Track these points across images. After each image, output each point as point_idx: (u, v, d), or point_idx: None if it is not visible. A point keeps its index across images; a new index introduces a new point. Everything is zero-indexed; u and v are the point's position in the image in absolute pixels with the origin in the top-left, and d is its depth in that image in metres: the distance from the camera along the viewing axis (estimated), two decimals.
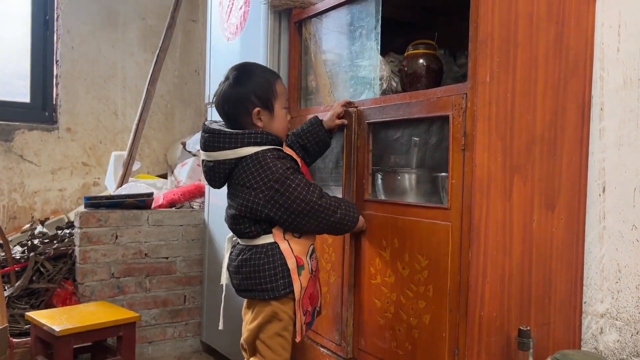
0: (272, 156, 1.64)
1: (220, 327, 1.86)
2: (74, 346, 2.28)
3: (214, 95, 1.76)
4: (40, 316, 2.37)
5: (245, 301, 1.79)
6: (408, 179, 1.87)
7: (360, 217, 1.80)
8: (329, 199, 1.69)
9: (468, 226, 1.52)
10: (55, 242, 2.96)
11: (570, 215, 1.75)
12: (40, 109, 3.59)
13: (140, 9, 3.88)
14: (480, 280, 1.53)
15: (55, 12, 3.59)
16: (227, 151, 1.64)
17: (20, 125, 3.45)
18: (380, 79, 1.98)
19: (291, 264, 1.67)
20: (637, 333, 1.68)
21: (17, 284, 2.72)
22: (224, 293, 1.85)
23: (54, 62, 3.61)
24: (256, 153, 1.63)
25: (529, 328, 1.54)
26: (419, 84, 1.87)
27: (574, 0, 1.72)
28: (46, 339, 2.34)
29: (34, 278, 2.77)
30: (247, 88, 1.68)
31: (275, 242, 1.67)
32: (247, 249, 1.69)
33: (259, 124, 1.68)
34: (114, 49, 3.79)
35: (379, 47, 1.97)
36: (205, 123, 1.73)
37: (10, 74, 3.54)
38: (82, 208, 2.94)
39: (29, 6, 3.55)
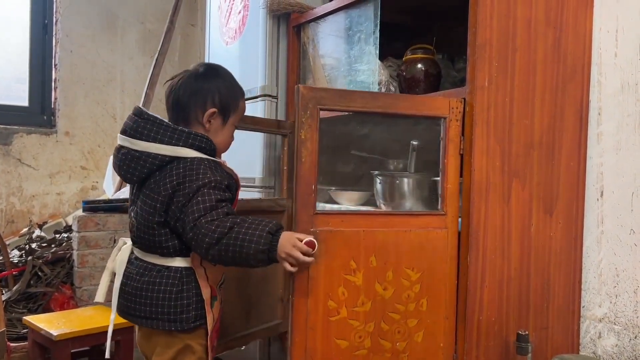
0: (210, 165, 1.44)
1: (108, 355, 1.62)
2: (72, 350, 2.26)
3: (170, 79, 1.57)
4: (37, 320, 2.36)
5: (139, 329, 1.56)
6: (407, 184, 1.87)
7: (285, 243, 1.34)
8: (229, 221, 1.36)
9: (466, 231, 1.52)
10: (53, 246, 2.95)
11: (568, 220, 1.75)
12: (39, 113, 3.59)
13: (139, 13, 3.89)
14: (478, 284, 1.53)
15: (54, 15, 3.60)
16: (164, 146, 1.42)
17: (18, 129, 3.45)
18: (379, 84, 1.98)
19: (206, 294, 1.46)
20: (636, 337, 1.68)
21: (14, 287, 2.71)
22: (113, 316, 1.58)
23: (53, 65, 3.62)
24: (194, 158, 1.43)
25: (527, 332, 1.54)
26: (417, 89, 1.87)
27: (572, 5, 1.73)
28: (44, 343, 2.33)
29: (31, 282, 2.76)
30: (212, 85, 1.50)
31: (191, 268, 1.45)
32: (157, 271, 1.45)
33: (207, 126, 1.49)
34: (113, 53, 3.80)
35: (377, 52, 1.97)
36: (139, 106, 1.51)
37: (8, 78, 3.54)
38: (80, 212, 2.94)
39: (28, 10, 3.55)
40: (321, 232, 1.44)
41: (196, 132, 1.46)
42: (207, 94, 1.49)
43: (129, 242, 1.56)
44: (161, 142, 1.42)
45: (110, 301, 1.60)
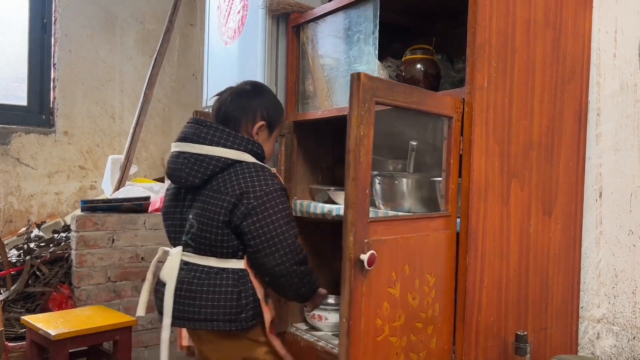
0: (271, 173, 1.57)
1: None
2: (70, 350, 2.26)
3: (217, 95, 1.68)
4: (36, 320, 2.35)
5: (197, 334, 1.61)
6: (406, 184, 1.87)
7: (320, 292, 1.64)
8: (304, 250, 1.55)
9: (465, 231, 1.52)
10: (51, 245, 2.95)
11: (567, 220, 1.75)
12: (38, 112, 3.58)
13: (138, 13, 3.88)
14: (477, 285, 1.53)
15: (53, 15, 3.59)
16: (227, 150, 1.53)
17: (17, 129, 3.44)
18: None
19: (260, 293, 1.55)
20: (634, 338, 1.68)
21: (13, 287, 2.71)
22: (168, 321, 1.58)
23: (52, 65, 3.61)
24: (255, 164, 1.56)
25: (526, 333, 1.54)
26: None
27: (571, 6, 1.73)
28: (42, 343, 2.33)
29: (29, 282, 2.75)
30: (262, 101, 1.66)
31: (245, 269, 1.54)
32: (215, 273, 1.53)
33: (255, 137, 1.64)
34: (112, 53, 3.79)
35: (376, 52, 1.97)
36: (196, 116, 1.65)
37: (7, 77, 3.54)
38: (78, 211, 2.93)
39: (27, 9, 3.55)
40: (373, 242, 1.30)
41: (254, 139, 1.61)
42: (256, 109, 1.64)
43: (174, 249, 1.61)
44: (224, 146, 1.54)
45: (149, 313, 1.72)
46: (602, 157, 1.77)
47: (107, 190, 3.42)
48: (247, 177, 1.51)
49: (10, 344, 2.47)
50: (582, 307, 1.80)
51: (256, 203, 1.48)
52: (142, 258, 2.93)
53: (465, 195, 1.52)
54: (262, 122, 1.64)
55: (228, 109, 1.63)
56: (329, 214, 2.10)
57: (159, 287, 1.64)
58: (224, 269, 1.53)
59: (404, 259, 1.40)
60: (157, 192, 3.28)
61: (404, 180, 1.87)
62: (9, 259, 2.82)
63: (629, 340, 1.69)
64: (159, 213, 3.02)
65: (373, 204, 2.04)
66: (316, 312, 2.26)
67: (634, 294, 1.68)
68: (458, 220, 1.56)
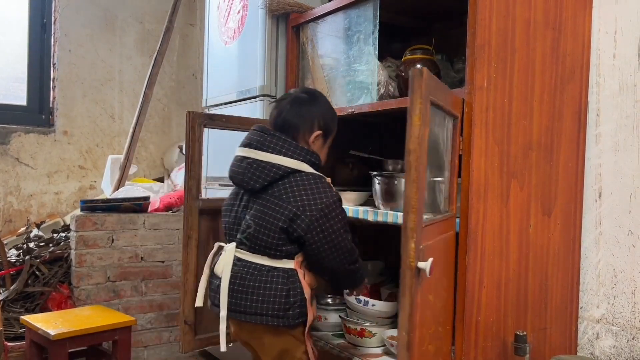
0: (328, 184, 1.66)
1: (224, 349, 1.75)
2: (69, 350, 2.26)
3: (275, 101, 1.77)
4: (35, 320, 2.35)
5: (240, 324, 1.68)
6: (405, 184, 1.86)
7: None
8: (356, 249, 1.71)
9: (465, 232, 1.52)
10: (51, 245, 2.95)
11: (566, 221, 1.75)
12: (37, 112, 3.58)
13: (138, 13, 3.88)
14: (477, 285, 1.53)
15: (53, 15, 3.59)
16: (287, 159, 1.62)
17: (16, 128, 3.44)
18: (378, 84, 1.98)
19: (307, 293, 1.64)
20: (633, 338, 1.68)
21: (12, 287, 2.71)
22: (224, 323, 1.68)
23: (51, 65, 3.61)
24: (314, 174, 1.65)
25: (525, 333, 1.54)
26: None
27: (571, 6, 1.73)
28: (41, 343, 2.33)
29: (29, 281, 2.75)
30: (320, 110, 1.72)
31: (294, 269, 1.63)
32: (267, 271, 1.62)
33: (312, 146, 1.71)
34: (112, 53, 3.79)
35: (376, 52, 1.97)
36: (262, 125, 1.74)
37: (7, 77, 3.54)
38: (78, 211, 2.93)
39: (27, 9, 3.55)
40: (426, 248, 1.26)
41: (310, 147, 1.69)
42: (314, 118, 1.70)
43: (229, 245, 1.70)
44: (285, 155, 1.62)
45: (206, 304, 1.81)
46: (602, 158, 1.77)
47: (106, 190, 3.42)
48: (307, 188, 1.60)
49: (9, 344, 2.47)
50: (581, 308, 1.80)
51: (318, 215, 1.58)
52: (141, 258, 2.93)
53: (465, 195, 1.52)
54: (319, 132, 1.71)
55: (287, 116, 1.69)
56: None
57: (213, 279, 1.74)
58: (275, 268, 1.62)
59: (439, 264, 1.38)
60: (156, 192, 3.28)
61: (404, 180, 1.86)
62: (9, 258, 2.82)
63: (628, 340, 1.69)
64: (159, 213, 3.03)
65: (372, 204, 2.05)
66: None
67: (634, 294, 1.68)
68: (457, 220, 1.57)
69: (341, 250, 1.62)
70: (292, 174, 1.62)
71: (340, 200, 1.65)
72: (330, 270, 1.66)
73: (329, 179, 1.70)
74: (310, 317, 1.65)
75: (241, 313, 1.63)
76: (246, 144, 1.68)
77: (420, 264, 1.18)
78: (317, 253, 1.61)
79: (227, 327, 1.70)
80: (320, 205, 1.58)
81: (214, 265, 1.73)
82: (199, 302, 1.82)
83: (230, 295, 1.64)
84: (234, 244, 1.69)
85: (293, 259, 1.63)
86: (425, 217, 1.72)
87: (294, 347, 1.66)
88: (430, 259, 1.20)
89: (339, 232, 1.61)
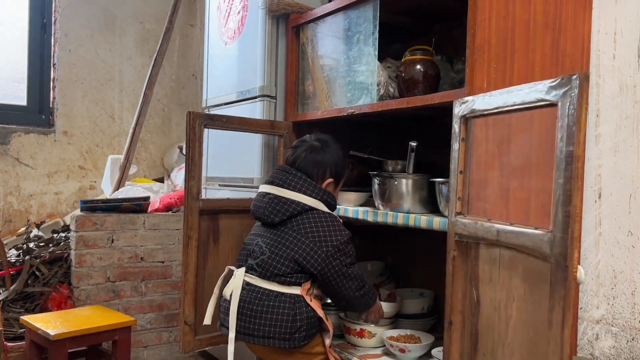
0: (341, 223, 1.81)
1: None
2: (69, 350, 2.26)
3: (291, 147, 1.92)
4: (35, 320, 2.35)
5: (254, 346, 1.78)
6: (405, 185, 1.87)
7: (377, 305, 1.91)
8: (364, 276, 1.85)
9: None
10: (50, 245, 2.95)
11: None
12: (37, 112, 3.58)
13: (138, 13, 3.88)
14: None
15: (53, 15, 3.60)
16: (307, 197, 1.78)
17: (16, 128, 3.44)
18: (378, 85, 1.98)
19: (320, 312, 1.76)
20: (633, 339, 1.68)
21: (12, 287, 2.71)
22: (232, 345, 1.78)
23: (51, 65, 3.61)
24: (330, 213, 1.81)
25: None
26: (416, 90, 1.87)
27: (571, 7, 1.73)
28: (41, 343, 2.33)
29: (29, 282, 2.75)
30: (333, 157, 1.87)
31: (301, 296, 1.74)
32: (275, 296, 1.73)
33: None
34: (112, 53, 3.79)
35: (376, 53, 1.97)
36: (284, 165, 1.89)
37: (7, 77, 3.54)
38: (78, 211, 2.93)
39: (27, 9, 3.55)
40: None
41: (329, 191, 1.84)
42: (327, 163, 1.86)
43: (238, 270, 1.82)
44: (304, 193, 1.78)
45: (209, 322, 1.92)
46: (602, 158, 1.77)
47: (106, 190, 3.42)
48: (324, 225, 1.76)
49: (9, 344, 2.47)
50: (581, 308, 1.80)
51: (333, 251, 1.73)
52: (141, 258, 2.93)
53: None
54: (330, 180, 1.86)
55: (301, 164, 1.84)
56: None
57: (222, 302, 1.85)
58: (282, 294, 1.73)
59: None
60: (156, 192, 3.28)
61: (403, 180, 1.87)
62: (8, 258, 2.82)
63: (627, 341, 1.69)
64: (159, 213, 3.03)
65: (372, 205, 2.05)
66: None
67: (633, 295, 1.68)
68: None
69: (352, 281, 1.77)
70: (310, 211, 1.77)
71: (351, 238, 1.79)
72: (345, 297, 1.79)
73: (340, 220, 1.86)
74: (330, 331, 1.79)
75: (250, 336, 1.73)
76: (269, 182, 1.84)
77: (579, 272, 1.17)
78: (333, 284, 1.75)
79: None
80: (335, 242, 1.73)
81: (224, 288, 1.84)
82: (207, 321, 1.91)
83: (239, 318, 1.75)
84: (243, 269, 1.80)
85: (300, 285, 1.74)
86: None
87: (318, 353, 1.79)
88: (579, 266, 1.17)
89: (351, 267, 1.76)
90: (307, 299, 1.75)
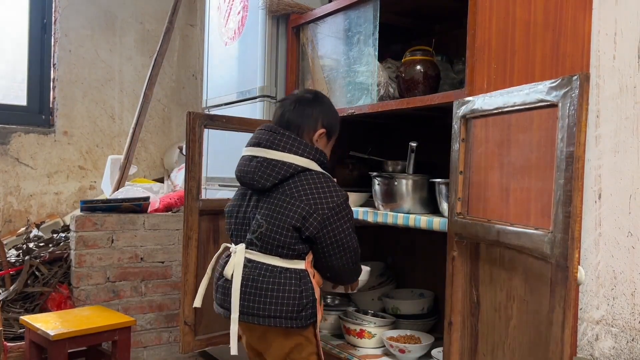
0: (335, 183, 1.67)
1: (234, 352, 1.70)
2: (69, 350, 2.26)
3: (279, 101, 1.78)
4: (34, 320, 2.35)
5: (249, 329, 1.67)
6: (405, 185, 1.87)
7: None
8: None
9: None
10: (50, 245, 2.95)
11: None
12: (37, 112, 3.58)
13: (138, 13, 3.88)
14: None
15: (53, 15, 3.60)
16: (298, 157, 1.63)
17: (16, 129, 3.44)
18: (378, 85, 1.98)
19: (317, 293, 1.64)
20: (633, 340, 1.68)
21: (11, 287, 2.70)
22: (235, 325, 1.64)
23: (52, 65, 3.61)
24: (324, 173, 1.67)
25: None
26: (416, 90, 1.88)
27: (571, 8, 1.73)
28: (41, 343, 2.33)
29: (29, 282, 2.75)
30: (323, 110, 1.73)
31: (305, 270, 1.63)
32: (279, 272, 1.60)
33: (315, 144, 1.70)
34: (112, 53, 3.79)
35: (376, 53, 1.97)
36: (270, 124, 1.73)
37: (7, 77, 3.54)
38: (78, 212, 2.93)
39: (27, 9, 3.55)
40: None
41: (321, 149, 1.68)
42: (318, 116, 1.71)
43: (238, 246, 1.67)
44: (295, 153, 1.62)
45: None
46: (602, 159, 1.77)
47: (106, 191, 3.42)
48: (318, 186, 1.61)
49: (9, 344, 2.47)
50: (581, 309, 1.80)
51: (330, 214, 1.59)
52: (141, 258, 2.93)
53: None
54: (322, 130, 1.71)
55: (291, 116, 1.70)
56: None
57: (220, 282, 1.70)
58: (287, 269, 1.61)
59: None
60: (156, 193, 3.28)
61: (403, 181, 1.87)
62: (8, 258, 2.82)
63: (627, 342, 1.69)
64: (159, 213, 3.03)
65: (372, 205, 2.05)
66: None
67: (633, 295, 1.69)
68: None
69: (349, 249, 1.64)
70: (303, 172, 1.63)
71: (348, 199, 1.66)
72: (334, 268, 1.66)
73: (335, 179, 1.71)
74: (319, 317, 1.66)
75: (254, 316, 1.61)
76: (255, 143, 1.68)
77: (580, 272, 1.18)
78: (325, 252, 1.62)
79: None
80: (332, 204, 1.59)
81: (221, 268, 1.71)
82: (197, 303, 1.80)
83: (242, 298, 1.62)
84: (243, 245, 1.67)
85: (304, 259, 1.63)
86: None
87: (302, 348, 1.65)
88: (579, 267, 1.18)
89: (348, 232, 1.63)
90: (311, 273, 1.64)
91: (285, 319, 1.58)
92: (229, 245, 1.75)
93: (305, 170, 1.63)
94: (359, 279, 1.83)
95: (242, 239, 1.68)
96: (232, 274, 1.64)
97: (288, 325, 1.58)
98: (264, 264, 1.62)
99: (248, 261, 1.64)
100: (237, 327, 1.64)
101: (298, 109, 1.70)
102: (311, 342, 1.65)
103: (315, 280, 1.65)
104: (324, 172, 1.68)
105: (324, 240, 1.60)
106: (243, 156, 1.70)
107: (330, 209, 1.59)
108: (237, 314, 1.62)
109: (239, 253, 1.65)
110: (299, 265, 1.62)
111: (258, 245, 1.63)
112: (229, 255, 1.70)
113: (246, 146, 1.71)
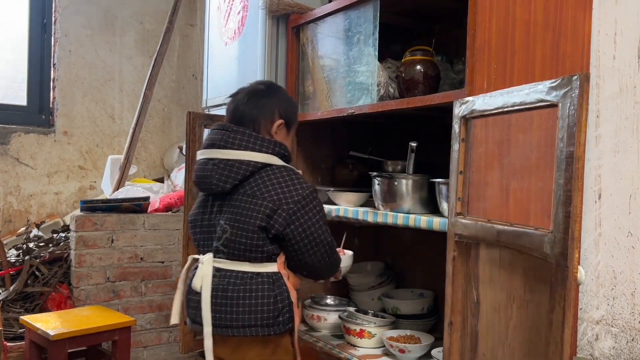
0: (301, 176, 1.59)
1: None
2: (69, 350, 2.26)
3: (231, 96, 1.67)
4: (34, 320, 2.35)
5: (222, 341, 1.55)
6: (405, 185, 1.87)
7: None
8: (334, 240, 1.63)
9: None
10: (50, 245, 2.95)
11: None
12: (37, 112, 3.58)
13: (138, 13, 3.88)
14: None
15: (53, 15, 3.60)
16: (256, 153, 1.54)
17: (16, 128, 3.44)
18: (378, 85, 1.98)
19: (293, 296, 1.56)
20: (633, 340, 1.68)
21: (12, 287, 2.71)
22: (209, 340, 1.54)
23: (52, 65, 3.61)
24: (285, 166, 1.57)
25: None
26: (416, 90, 1.88)
27: (571, 8, 1.73)
28: (41, 343, 2.33)
29: (29, 282, 2.75)
30: (279, 100, 1.66)
31: (279, 272, 1.55)
32: (250, 278, 1.52)
33: (275, 136, 1.63)
34: (112, 53, 3.79)
35: (376, 53, 1.97)
36: (222, 122, 1.65)
37: (7, 77, 3.54)
38: (78, 212, 2.93)
39: (27, 9, 3.55)
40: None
41: (280, 141, 1.60)
42: (274, 107, 1.63)
43: (205, 256, 1.58)
44: (253, 149, 1.54)
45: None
46: (602, 159, 1.77)
47: (106, 191, 3.42)
48: (280, 181, 1.53)
49: (9, 344, 2.47)
50: (581, 309, 1.80)
51: (296, 208, 1.51)
52: (141, 258, 2.93)
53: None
54: (281, 121, 1.63)
55: (245, 110, 1.61)
56: (328, 215, 2.10)
57: (190, 295, 1.62)
58: (258, 274, 1.53)
59: None
60: (156, 193, 3.28)
61: (403, 181, 1.87)
62: (8, 258, 2.82)
63: (627, 342, 1.69)
64: (159, 213, 3.03)
65: (372, 205, 2.05)
66: (315, 313, 2.26)
67: (633, 295, 1.69)
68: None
69: (321, 244, 1.55)
70: (263, 169, 1.54)
71: (316, 191, 1.58)
72: (310, 266, 1.58)
73: (300, 171, 1.64)
74: (297, 322, 1.57)
75: (227, 327, 1.52)
76: (209, 145, 1.58)
77: (580, 272, 1.17)
78: (297, 249, 1.53)
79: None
80: (296, 197, 1.51)
81: (190, 280, 1.62)
82: (174, 319, 1.70)
83: (213, 310, 1.53)
84: (210, 254, 1.58)
85: (275, 261, 1.55)
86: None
87: (281, 355, 1.57)
88: (579, 266, 1.17)
89: (318, 225, 1.54)
90: (285, 275, 1.55)
91: (262, 326, 1.50)
92: (196, 256, 1.65)
93: (266, 166, 1.55)
94: (342, 266, 1.75)
95: (209, 248, 1.60)
96: (201, 286, 1.55)
97: (265, 332, 1.51)
98: (232, 271, 1.54)
99: (217, 270, 1.55)
100: (211, 341, 1.54)
101: (251, 101, 1.61)
102: (288, 349, 1.58)
103: (291, 282, 1.57)
104: (287, 165, 1.59)
105: (292, 236, 1.52)
106: (198, 160, 1.61)
107: (296, 202, 1.51)
108: (210, 327, 1.53)
109: (206, 263, 1.56)
110: (271, 268, 1.54)
111: (225, 252, 1.55)
112: (198, 267, 1.60)
113: (201, 149, 1.62)
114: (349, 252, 1.92)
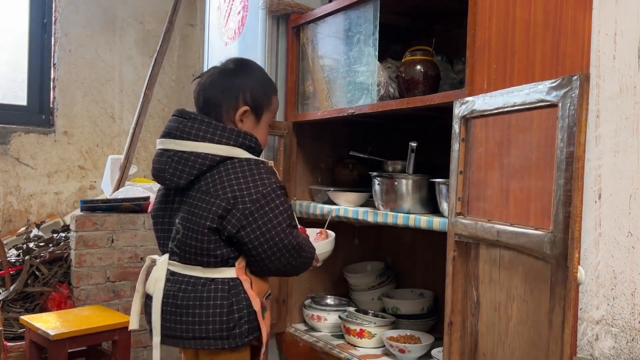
0: (265, 169, 1.39)
1: None
2: (69, 350, 2.26)
3: (198, 77, 1.50)
4: (34, 320, 2.35)
5: (184, 352, 1.47)
6: (405, 185, 1.87)
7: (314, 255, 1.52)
8: (301, 237, 1.43)
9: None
10: (50, 245, 2.95)
11: None
12: (37, 112, 3.58)
13: (138, 13, 3.88)
14: None
15: (53, 15, 3.59)
16: (215, 145, 1.35)
17: (16, 128, 3.44)
18: (378, 85, 1.98)
19: (256, 305, 1.38)
20: (633, 340, 1.68)
21: (12, 287, 2.71)
22: (158, 339, 1.42)
23: (52, 65, 3.61)
24: (249, 160, 1.38)
25: None
26: (416, 90, 1.88)
27: (571, 8, 1.73)
28: (41, 343, 2.33)
29: (29, 281, 2.75)
30: (243, 82, 1.43)
31: (237, 278, 1.37)
32: (202, 284, 1.35)
33: (239, 125, 1.43)
34: (112, 53, 3.79)
35: (376, 53, 1.97)
36: (181, 108, 1.45)
37: (7, 77, 3.54)
38: (78, 211, 2.93)
39: (27, 9, 3.55)
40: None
41: (246, 131, 1.40)
42: (238, 91, 1.42)
43: (161, 257, 1.44)
44: (211, 141, 1.35)
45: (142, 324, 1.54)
46: (602, 159, 1.77)
47: (106, 190, 3.42)
48: (239, 176, 1.34)
49: (9, 344, 2.47)
50: (580, 309, 1.80)
51: (253, 208, 1.32)
52: (141, 258, 2.93)
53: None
54: (245, 108, 1.42)
55: (208, 93, 1.42)
56: (328, 215, 2.10)
57: (147, 300, 1.48)
58: (212, 280, 1.36)
59: None
60: (156, 193, 3.28)
61: (403, 181, 1.87)
62: (8, 258, 2.82)
63: (627, 342, 1.69)
64: None
65: (372, 205, 2.05)
66: (315, 313, 2.26)
67: (633, 295, 1.69)
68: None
69: (285, 248, 1.35)
70: (223, 163, 1.35)
71: (281, 188, 1.38)
72: (275, 272, 1.42)
73: (271, 163, 1.45)
74: (264, 334, 1.40)
75: (176, 338, 1.38)
76: (165, 134, 1.40)
77: (580, 272, 1.16)
78: (255, 254, 1.35)
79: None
80: (255, 195, 1.32)
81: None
82: (133, 325, 1.55)
83: (164, 318, 1.39)
84: (166, 256, 1.42)
85: (233, 265, 1.37)
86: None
87: None
88: (579, 267, 1.16)
89: (280, 228, 1.33)
90: (246, 281, 1.37)
91: (214, 339, 1.34)
92: (154, 256, 1.50)
93: (227, 159, 1.36)
94: (324, 250, 1.61)
95: (166, 248, 1.44)
96: (153, 290, 1.41)
97: (218, 346, 1.34)
98: (185, 276, 1.38)
99: (171, 274, 1.40)
100: (159, 352, 1.41)
101: (216, 84, 1.41)
102: None
103: (255, 289, 1.39)
104: (252, 158, 1.39)
105: (249, 240, 1.33)
106: (156, 150, 1.42)
107: (254, 201, 1.31)
108: (159, 337, 1.40)
109: (160, 265, 1.41)
110: (228, 273, 1.36)
111: (179, 254, 1.39)
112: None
113: (159, 138, 1.43)
114: (332, 235, 1.74)
